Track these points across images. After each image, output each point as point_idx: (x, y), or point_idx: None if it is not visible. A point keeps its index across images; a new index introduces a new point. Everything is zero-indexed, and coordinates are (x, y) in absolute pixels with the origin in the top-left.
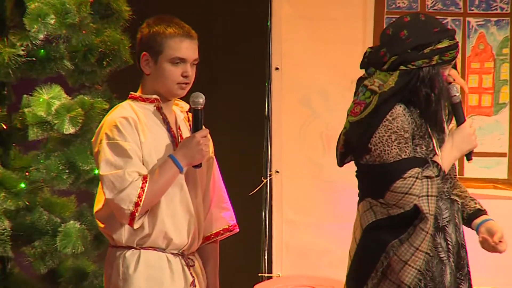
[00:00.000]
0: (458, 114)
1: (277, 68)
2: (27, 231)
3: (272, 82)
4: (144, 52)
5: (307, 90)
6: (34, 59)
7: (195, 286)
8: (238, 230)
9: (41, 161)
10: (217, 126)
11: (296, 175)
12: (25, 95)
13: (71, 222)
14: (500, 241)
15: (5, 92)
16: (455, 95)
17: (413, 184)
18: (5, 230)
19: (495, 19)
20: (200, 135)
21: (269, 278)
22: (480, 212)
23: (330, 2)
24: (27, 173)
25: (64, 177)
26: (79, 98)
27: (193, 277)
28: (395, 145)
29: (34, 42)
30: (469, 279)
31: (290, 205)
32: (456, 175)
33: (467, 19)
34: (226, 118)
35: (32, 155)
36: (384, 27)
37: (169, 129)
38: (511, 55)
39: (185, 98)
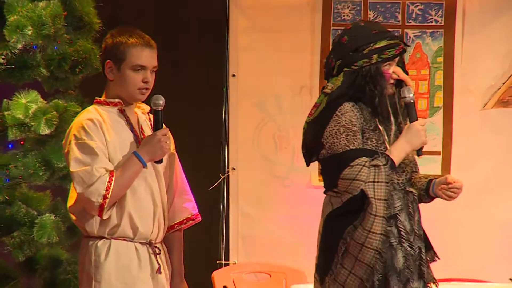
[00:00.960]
0: (410, 113)
1: (233, 75)
2: (6, 223)
3: (229, 87)
4: (108, 60)
5: (261, 94)
6: (13, 66)
7: (161, 272)
8: (200, 219)
9: (20, 159)
10: (179, 127)
11: (251, 172)
12: (5, 99)
13: (47, 214)
14: (454, 181)
15: None
16: (406, 96)
17: (359, 171)
18: None
19: (430, 30)
20: (160, 133)
21: (226, 265)
22: (431, 180)
23: (281, 15)
24: (6, 170)
25: (40, 174)
26: (54, 102)
27: (159, 264)
28: (343, 137)
29: (13, 51)
30: (425, 264)
31: (245, 199)
32: (417, 170)
33: (405, 30)
34: (187, 120)
35: (11, 154)
36: (330, 37)
37: (132, 129)
38: (444, 63)
39: (146, 101)
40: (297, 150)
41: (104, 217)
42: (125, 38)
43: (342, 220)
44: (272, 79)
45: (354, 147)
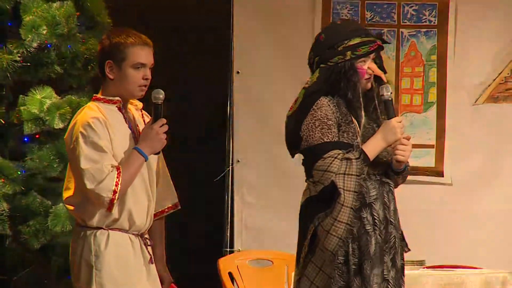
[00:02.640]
0: (388, 110)
1: (238, 72)
2: (23, 212)
3: (234, 83)
4: (108, 61)
5: (264, 90)
6: (28, 64)
7: (153, 263)
8: (179, 207)
9: (35, 152)
10: (186, 122)
11: (255, 164)
12: (21, 95)
13: (61, 204)
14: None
15: (4, 92)
16: (383, 94)
17: (331, 163)
18: (3, 211)
19: (424, 30)
20: (157, 126)
21: (231, 252)
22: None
23: (283, 16)
24: (22, 163)
25: (55, 166)
26: (67, 97)
27: (150, 255)
28: (318, 130)
29: (28, 49)
30: (398, 253)
31: (249, 190)
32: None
33: (401, 30)
34: (194, 115)
35: (27, 147)
36: None
37: (130, 126)
38: (438, 61)
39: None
40: None
41: (113, 211)
42: (123, 39)
43: (315, 207)
44: (274, 76)
45: (328, 140)
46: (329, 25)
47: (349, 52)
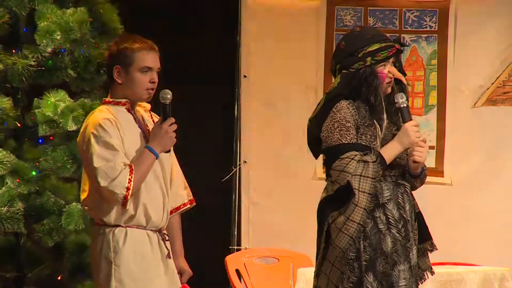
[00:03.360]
0: (403, 116)
1: (245, 76)
2: (37, 211)
3: (241, 87)
4: (116, 66)
5: (270, 94)
6: (43, 68)
7: (170, 257)
8: (195, 203)
9: (49, 153)
10: (195, 124)
11: (261, 165)
12: (35, 98)
13: (74, 203)
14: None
15: (19, 96)
16: (398, 101)
17: (347, 164)
18: (19, 211)
19: (425, 35)
20: (167, 125)
21: (238, 250)
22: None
23: (289, 22)
24: (37, 163)
25: (68, 167)
26: (80, 101)
27: (167, 249)
28: (337, 132)
29: (43, 54)
30: (422, 249)
31: (256, 190)
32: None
33: (402, 35)
34: (203, 118)
35: (41, 148)
36: (334, 42)
37: (140, 126)
38: (438, 65)
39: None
40: (303, 144)
41: (127, 207)
42: (130, 44)
43: (330, 205)
44: (280, 80)
45: (346, 142)
46: (349, 33)
47: (369, 58)
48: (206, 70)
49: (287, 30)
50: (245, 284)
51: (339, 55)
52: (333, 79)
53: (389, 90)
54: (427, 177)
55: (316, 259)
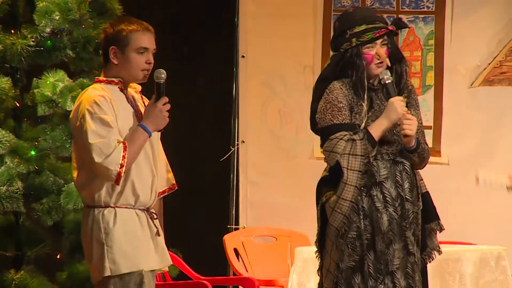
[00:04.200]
0: (388, 92)
1: (243, 56)
2: (36, 191)
3: (239, 67)
4: (112, 46)
5: (267, 74)
6: (42, 48)
7: (160, 235)
8: (176, 188)
9: (48, 132)
10: (193, 104)
11: (259, 144)
12: (34, 78)
13: (72, 183)
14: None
15: (18, 75)
16: (383, 78)
17: (336, 144)
18: (18, 190)
19: (423, 16)
20: (160, 104)
21: (236, 229)
22: None
23: (287, 3)
24: (36, 143)
25: (67, 146)
26: (79, 80)
27: (156, 227)
28: (329, 113)
29: (42, 34)
30: (418, 228)
31: (254, 169)
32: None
33: (400, 16)
34: (201, 98)
35: (41, 128)
36: (331, 22)
37: (132, 105)
38: (435, 46)
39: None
40: (301, 124)
41: (120, 184)
42: (125, 26)
43: (326, 185)
44: (278, 60)
45: (338, 122)
46: (343, 13)
47: (354, 39)
48: (204, 50)
49: (285, 11)
50: (243, 263)
51: (333, 35)
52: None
53: (379, 71)
54: None
55: (317, 238)
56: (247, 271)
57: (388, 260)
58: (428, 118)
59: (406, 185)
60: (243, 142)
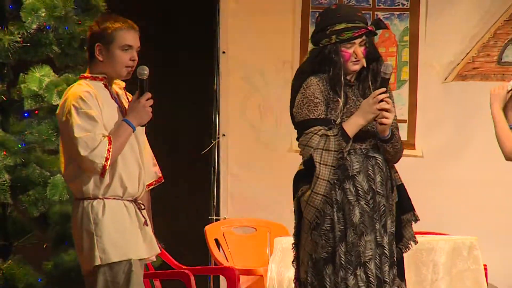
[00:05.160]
0: (382, 85)
1: (223, 52)
2: (23, 183)
3: (220, 63)
4: (98, 44)
5: (248, 69)
6: (28, 44)
7: (148, 225)
8: (163, 180)
9: (34, 126)
10: (175, 99)
11: (239, 138)
12: (21, 74)
13: (58, 175)
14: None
15: (5, 71)
16: (385, 72)
17: (310, 138)
18: (5, 182)
19: (398, 13)
20: (144, 99)
21: (217, 220)
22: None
23: (265, 0)
24: (23, 136)
25: (53, 139)
26: (64, 76)
27: (144, 218)
28: (305, 108)
29: (28, 31)
30: (388, 221)
31: (234, 162)
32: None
33: (376, 12)
34: (183, 93)
35: (27, 122)
36: (309, 18)
37: (116, 101)
38: (410, 42)
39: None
40: (280, 118)
41: (105, 176)
42: (111, 24)
43: (301, 179)
44: (258, 56)
45: (314, 117)
46: (325, 9)
47: (334, 36)
48: (186, 46)
49: (264, 7)
50: (224, 252)
51: (315, 30)
52: None
53: (356, 68)
54: None
55: (294, 230)
56: (227, 260)
57: (360, 252)
58: (402, 112)
59: (378, 178)
60: (224, 135)
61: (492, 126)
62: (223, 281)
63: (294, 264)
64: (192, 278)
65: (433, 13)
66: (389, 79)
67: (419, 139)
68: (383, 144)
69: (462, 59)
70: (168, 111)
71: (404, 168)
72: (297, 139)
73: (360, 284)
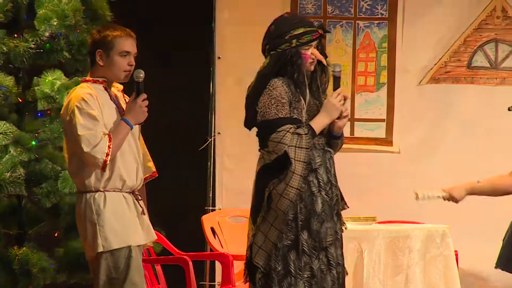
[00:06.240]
0: (336, 83)
1: (219, 57)
2: (36, 176)
3: (216, 67)
4: (98, 50)
5: (241, 73)
6: (41, 50)
7: (145, 214)
8: (157, 175)
9: (47, 125)
10: (174, 100)
11: (233, 136)
12: (35, 77)
13: None
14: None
15: (21, 75)
16: (336, 70)
17: (283, 136)
18: (20, 175)
19: (377, 21)
20: (140, 100)
21: (213, 210)
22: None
23: (257, 9)
24: (36, 134)
25: (63, 137)
26: (74, 79)
27: (141, 207)
28: (274, 107)
29: (41, 38)
30: (341, 209)
31: (228, 157)
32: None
33: (357, 22)
34: (181, 95)
35: (40, 121)
36: None
37: (115, 102)
38: (388, 48)
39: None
40: None
41: (106, 171)
42: (110, 32)
43: (270, 173)
44: (251, 61)
45: (282, 116)
46: (278, 18)
47: (294, 40)
48: (184, 52)
49: (256, 17)
50: (219, 240)
51: (269, 37)
52: (264, 59)
53: (312, 68)
54: (378, 146)
55: (253, 221)
56: (222, 247)
57: (321, 238)
58: (381, 112)
59: (333, 171)
60: (219, 133)
61: (463, 124)
62: (218, 266)
63: (248, 252)
64: (190, 263)
65: (409, 22)
66: (340, 77)
67: (396, 137)
68: (335, 140)
69: (435, 64)
70: (169, 111)
71: (383, 163)
72: (259, 135)
73: (322, 267)
